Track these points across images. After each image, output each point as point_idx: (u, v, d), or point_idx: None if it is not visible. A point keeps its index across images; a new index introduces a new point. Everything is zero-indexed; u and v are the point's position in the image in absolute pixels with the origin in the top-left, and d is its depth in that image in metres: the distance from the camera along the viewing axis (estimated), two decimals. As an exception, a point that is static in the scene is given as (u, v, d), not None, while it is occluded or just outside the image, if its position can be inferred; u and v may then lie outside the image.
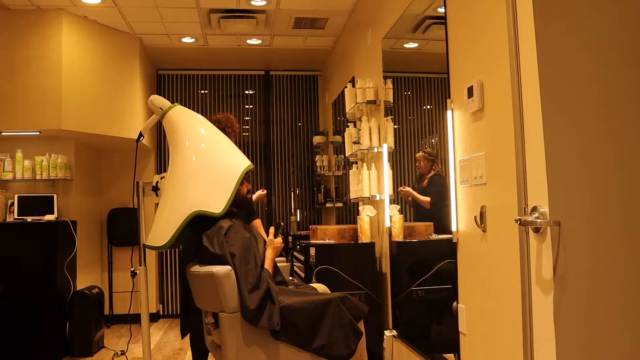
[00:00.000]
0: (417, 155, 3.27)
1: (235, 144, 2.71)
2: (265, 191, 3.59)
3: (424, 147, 3.26)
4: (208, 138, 2.52)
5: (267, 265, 2.51)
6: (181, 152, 2.41)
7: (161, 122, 2.56)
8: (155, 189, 2.60)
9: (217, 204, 2.35)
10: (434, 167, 3.13)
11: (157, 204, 2.55)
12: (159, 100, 2.53)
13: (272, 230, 2.70)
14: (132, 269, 2.49)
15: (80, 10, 4.52)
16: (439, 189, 3.07)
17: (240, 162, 2.48)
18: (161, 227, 2.36)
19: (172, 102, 2.63)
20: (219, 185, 2.39)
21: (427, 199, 3.19)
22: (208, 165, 2.43)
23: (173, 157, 2.44)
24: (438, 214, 3.08)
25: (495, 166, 2.11)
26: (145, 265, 2.50)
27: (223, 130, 2.90)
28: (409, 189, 3.32)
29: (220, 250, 2.35)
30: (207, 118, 2.83)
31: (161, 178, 2.61)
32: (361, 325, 2.57)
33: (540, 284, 1.71)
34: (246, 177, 2.61)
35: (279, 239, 2.68)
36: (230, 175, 2.41)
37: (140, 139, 2.60)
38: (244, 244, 2.37)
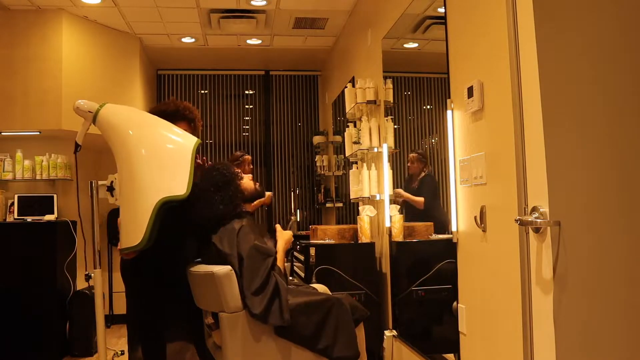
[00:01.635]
0: (411, 155, 3.29)
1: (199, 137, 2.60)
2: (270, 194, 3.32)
3: (417, 147, 3.28)
4: (148, 125, 2.43)
5: (279, 261, 2.50)
6: (126, 146, 2.31)
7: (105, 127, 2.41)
8: (110, 189, 2.46)
9: (178, 187, 2.26)
10: (424, 169, 3.16)
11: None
12: (86, 104, 2.39)
13: (278, 227, 2.68)
14: (87, 272, 2.40)
15: (80, 10, 4.52)
16: (431, 189, 3.10)
17: (188, 140, 2.38)
18: (130, 226, 2.28)
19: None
20: (174, 168, 2.30)
21: (421, 199, 3.21)
22: (157, 151, 2.33)
23: (119, 154, 2.33)
24: (432, 214, 3.10)
25: (495, 166, 2.11)
26: (100, 267, 2.43)
27: (192, 121, 2.70)
28: (400, 190, 3.34)
29: (229, 250, 2.34)
30: (167, 104, 2.68)
31: (115, 178, 2.51)
32: (361, 327, 2.56)
33: (540, 284, 1.71)
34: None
35: (289, 232, 2.67)
36: (182, 155, 2.32)
37: (78, 150, 2.52)
38: (255, 246, 2.35)
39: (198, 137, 2.52)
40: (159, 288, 2.60)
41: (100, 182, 2.47)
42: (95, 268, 2.39)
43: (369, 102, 3.75)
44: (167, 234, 2.40)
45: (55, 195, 4.52)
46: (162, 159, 2.32)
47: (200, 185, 2.49)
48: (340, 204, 5.37)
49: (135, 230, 2.25)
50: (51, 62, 4.42)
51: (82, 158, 4.93)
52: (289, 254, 2.73)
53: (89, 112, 2.38)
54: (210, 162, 2.71)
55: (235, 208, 2.48)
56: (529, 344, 1.79)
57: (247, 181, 2.61)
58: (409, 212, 3.36)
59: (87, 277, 2.35)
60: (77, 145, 2.48)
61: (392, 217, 3.38)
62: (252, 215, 2.59)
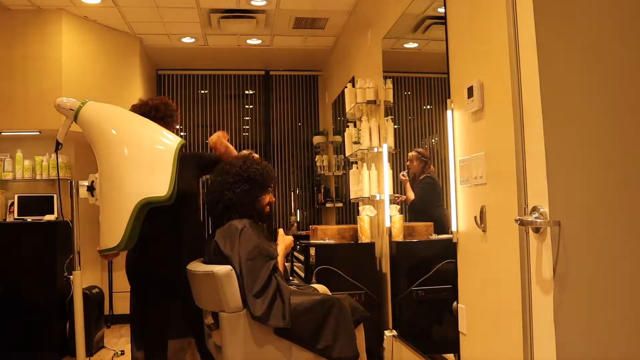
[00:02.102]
0: (409, 154, 3.25)
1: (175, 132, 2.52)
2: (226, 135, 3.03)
3: (417, 147, 3.25)
4: (131, 125, 2.39)
5: (279, 264, 2.50)
6: (108, 146, 2.28)
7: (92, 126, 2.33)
8: (91, 188, 2.42)
9: (160, 188, 2.22)
10: (425, 169, 3.12)
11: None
12: (67, 102, 2.35)
13: (280, 231, 2.71)
14: (66, 274, 2.37)
15: (80, 10, 4.52)
16: (427, 192, 3.09)
17: (172, 140, 2.35)
18: (109, 226, 2.25)
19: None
20: (156, 168, 2.26)
21: (411, 195, 3.20)
22: (139, 151, 2.29)
23: (100, 153, 2.30)
24: (430, 215, 3.10)
25: (495, 166, 2.11)
26: (80, 269, 2.40)
27: (162, 119, 2.63)
28: (407, 178, 3.30)
29: (230, 251, 2.34)
30: (141, 104, 2.64)
31: (96, 177, 2.47)
32: (361, 328, 2.56)
33: (540, 284, 1.71)
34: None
35: (290, 237, 2.69)
36: (165, 156, 2.28)
37: (59, 148, 2.47)
38: (257, 249, 2.36)
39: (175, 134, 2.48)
40: (157, 288, 2.60)
41: (80, 182, 2.44)
42: (75, 270, 2.35)
43: (369, 102, 3.75)
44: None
45: (55, 195, 4.52)
46: (144, 159, 2.28)
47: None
48: (340, 204, 5.37)
49: (114, 231, 2.21)
50: (51, 62, 4.42)
51: (83, 157, 4.95)
52: (288, 256, 2.74)
53: (70, 109, 2.33)
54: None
55: (245, 205, 2.49)
56: (529, 344, 1.79)
57: (267, 199, 2.63)
58: (409, 212, 3.36)
59: (66, 279, 2.32)
60: (57, 144, 2.43)
61: (392, 217, 3.38)
62: (255, 222, 2.61)
